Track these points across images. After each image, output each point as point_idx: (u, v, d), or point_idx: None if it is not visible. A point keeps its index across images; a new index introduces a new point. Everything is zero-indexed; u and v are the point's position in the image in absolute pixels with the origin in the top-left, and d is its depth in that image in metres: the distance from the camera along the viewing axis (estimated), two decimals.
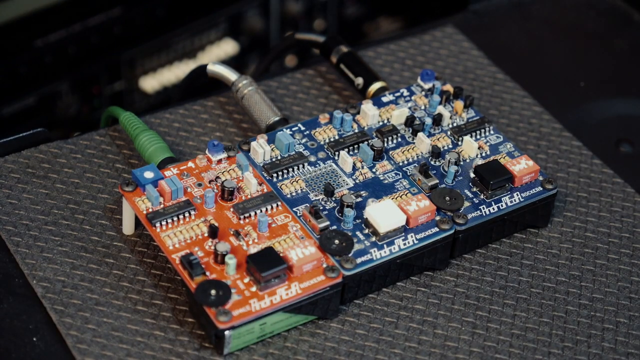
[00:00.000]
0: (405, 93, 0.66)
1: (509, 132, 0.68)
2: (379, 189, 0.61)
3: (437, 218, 0.59)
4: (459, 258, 0.61)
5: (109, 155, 0.65)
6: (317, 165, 0.62)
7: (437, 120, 0.64)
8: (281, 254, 0.56)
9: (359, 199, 0.60)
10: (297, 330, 0.57)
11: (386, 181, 0.61)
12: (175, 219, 0.58)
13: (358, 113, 0.65)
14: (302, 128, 0.64)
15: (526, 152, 0.66)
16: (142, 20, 0.94)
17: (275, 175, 0.61)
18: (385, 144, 0.63)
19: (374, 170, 0.62)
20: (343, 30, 1.07)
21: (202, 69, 0.69)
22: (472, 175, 0.62)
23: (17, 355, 0.55)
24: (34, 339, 0.56)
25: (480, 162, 0.62)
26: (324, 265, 0.56)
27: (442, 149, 0.63)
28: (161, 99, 0.97)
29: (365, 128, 0.64)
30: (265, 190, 0.60)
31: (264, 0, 1.00)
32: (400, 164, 0.62)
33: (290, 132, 0.63)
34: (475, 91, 0.71)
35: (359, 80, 0.68)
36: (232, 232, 0.58)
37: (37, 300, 0.57)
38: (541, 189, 0.61)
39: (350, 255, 0.57)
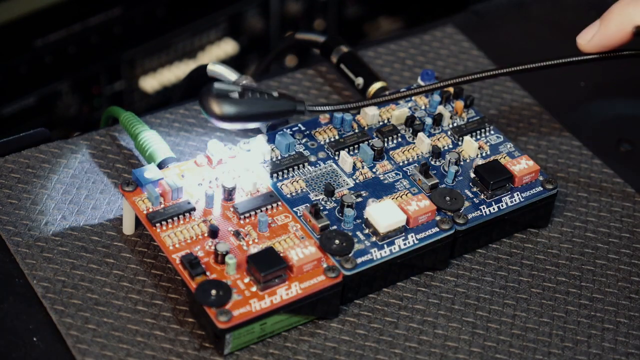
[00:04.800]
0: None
1: (509, 132, 0.68)
2: (379, 189, 0.61)
3: (437, 218, 0.59)
4: (459, 258, 0.61)
5: (109, 155, 0.65)
6: (317, 165, 0.62)
7: (437, 120, 0.64)
8: (281, 254, 0.56)
9: (359, 199, 0.60)
10: (297, 330, 0.57)
11: (386, 181, 0.61)
12: (175, 219, 0.58)
13: (358, 113, 0.65)
14: (303, 128, 0.64)
15: (526, 152, 0.66)
16: (142, 20, 0.94)
17: (275, 175, 0.61)
18: (386, 144, 0.63)
19: (374, 170, 0.62)
20: (343, 30, 1.07)
21: (202, 69, 0.69)
22: (472, 175, 0.62)
23: (17, 355, 0.55)
24: (34, 339, 0.56)
25: (480, 162, 0.62)
26: (324, 265, 0.56)
27: (442, 149, 0.63)
28: (161, 99, 0.97)
29: (366, 128, 0.64)
30: (266, 190, 0.60)
31: (264, 0, 1.00)
32: (401, 164, 0.62)
33: (291, 132, 0.63)
34: (476, 91, 0.71)
35: (359, 80, 0.68)
36: (232, 232, 0.58)
37: (37, 300, 0.57)
38: (541, 189, 0.61)
39: (350, 255, 0.57)
